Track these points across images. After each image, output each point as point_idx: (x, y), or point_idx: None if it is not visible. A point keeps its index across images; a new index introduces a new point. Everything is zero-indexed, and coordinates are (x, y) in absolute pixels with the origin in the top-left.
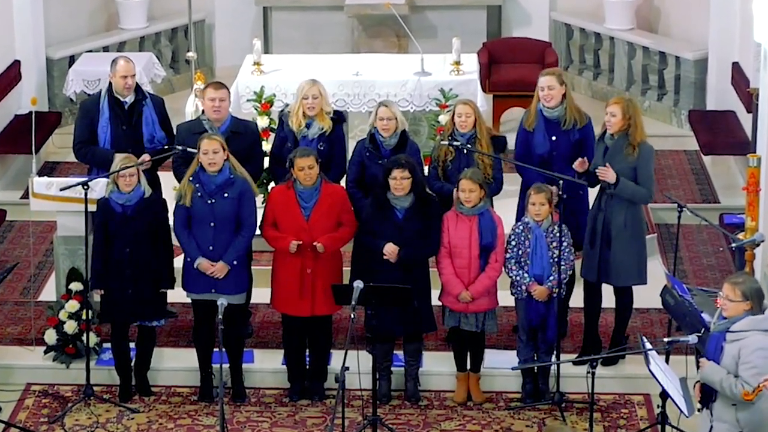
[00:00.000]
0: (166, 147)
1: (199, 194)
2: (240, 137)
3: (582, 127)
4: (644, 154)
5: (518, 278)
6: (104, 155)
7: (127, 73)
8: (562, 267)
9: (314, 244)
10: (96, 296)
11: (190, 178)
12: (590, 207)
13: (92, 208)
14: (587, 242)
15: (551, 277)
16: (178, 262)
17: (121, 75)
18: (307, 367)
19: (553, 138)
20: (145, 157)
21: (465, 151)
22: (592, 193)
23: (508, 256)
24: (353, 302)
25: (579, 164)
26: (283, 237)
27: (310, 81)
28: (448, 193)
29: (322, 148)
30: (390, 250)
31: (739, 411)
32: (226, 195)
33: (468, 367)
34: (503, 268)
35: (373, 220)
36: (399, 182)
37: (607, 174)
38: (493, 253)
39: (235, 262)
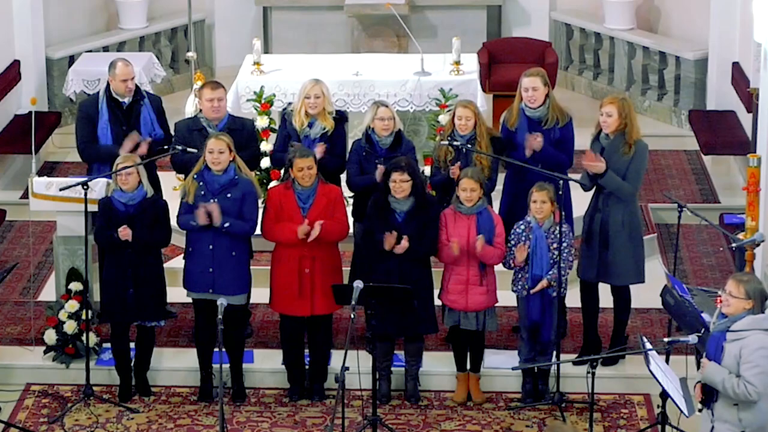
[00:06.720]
0: (165, 147)
1: (202, 192)
2: (237, 133)
3: (563, 126)
4: (639, 152)
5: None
6: (109, 151)
7: (127, 77)
8: (562, 266)
9: (315, 223)
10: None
11: (195, 176)
12: (571, 201)
13: (92, 208)
14: (583, 242)
15: (551, 271)
16: (179, 262)
17: (121, 79)
18: (307, 367)
19: None
20: (137, 139)
21: (464, 151)
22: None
23: (508, 253)
24: (353, 302)
25: (533, 139)
26: (288, 225)
27: (313, 80)
28: (447, 179)
29: None
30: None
31: (741, 411)
32: (229, 195)
33: (468, 367)
34: (503, 266)
35: (373, 223)
36: (399, 185)
37: (594, 166)
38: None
39: (227, 225)
